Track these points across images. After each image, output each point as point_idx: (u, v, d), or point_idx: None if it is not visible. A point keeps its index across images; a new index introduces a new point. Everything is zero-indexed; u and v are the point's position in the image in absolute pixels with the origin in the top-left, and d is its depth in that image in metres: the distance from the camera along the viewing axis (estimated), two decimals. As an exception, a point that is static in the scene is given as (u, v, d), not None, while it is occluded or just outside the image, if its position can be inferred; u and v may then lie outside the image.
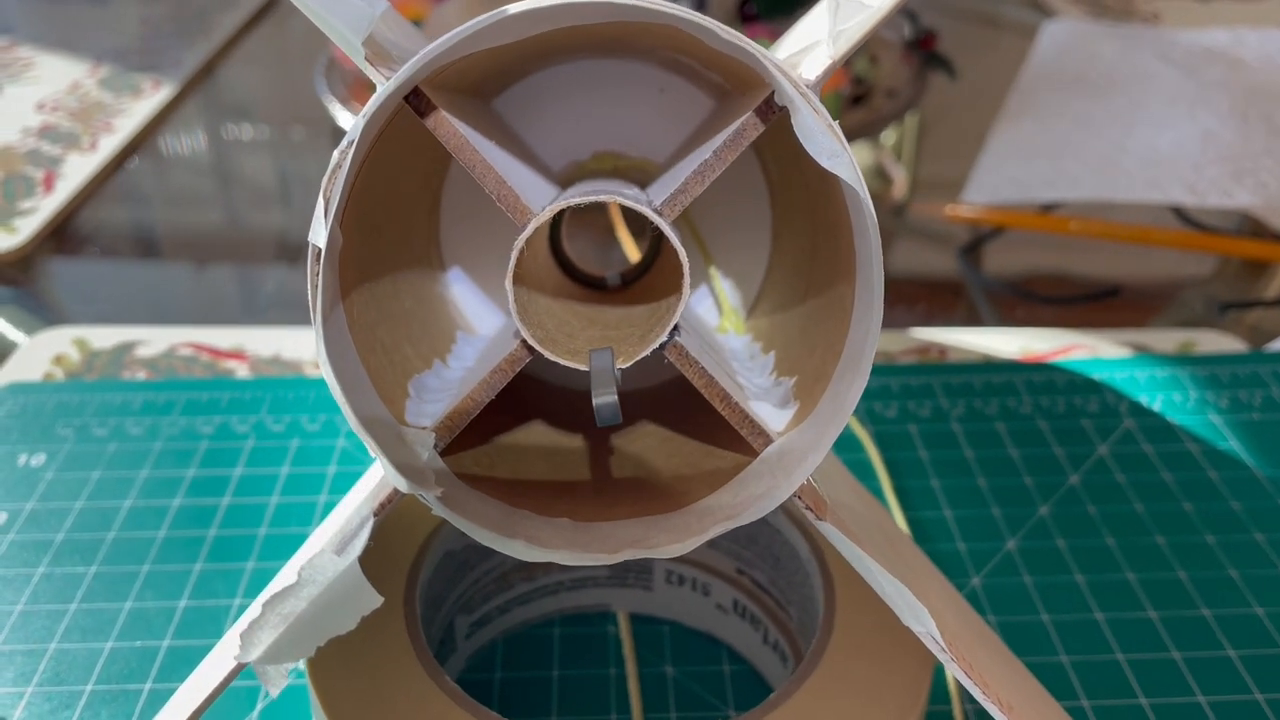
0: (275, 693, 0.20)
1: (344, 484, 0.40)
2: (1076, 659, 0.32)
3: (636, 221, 0.53)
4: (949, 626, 0.22)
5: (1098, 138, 0.62)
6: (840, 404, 0.21)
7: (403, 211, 0.29)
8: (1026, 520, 0.38)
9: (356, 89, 0.69)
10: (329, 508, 0.38)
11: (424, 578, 0.29)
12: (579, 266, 0.32)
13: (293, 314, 0.52)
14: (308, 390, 0.45)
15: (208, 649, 0.31)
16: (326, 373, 0.19)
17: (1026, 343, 0.48)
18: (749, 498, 0.21)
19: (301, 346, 0.48)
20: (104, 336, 0.48)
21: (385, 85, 0.19)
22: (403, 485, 0.20)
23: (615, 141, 0.32)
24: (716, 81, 0.29)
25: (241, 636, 0.20)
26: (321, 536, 0.26)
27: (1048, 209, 0.58)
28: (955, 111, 0.72)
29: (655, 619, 0.34)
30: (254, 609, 0.20)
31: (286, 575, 0.21)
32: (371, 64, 0.20)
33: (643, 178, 0.32)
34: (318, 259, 0.20)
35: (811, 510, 0.21)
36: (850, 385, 0.20)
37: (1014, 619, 0.34)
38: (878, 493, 0.39)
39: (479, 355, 0.29)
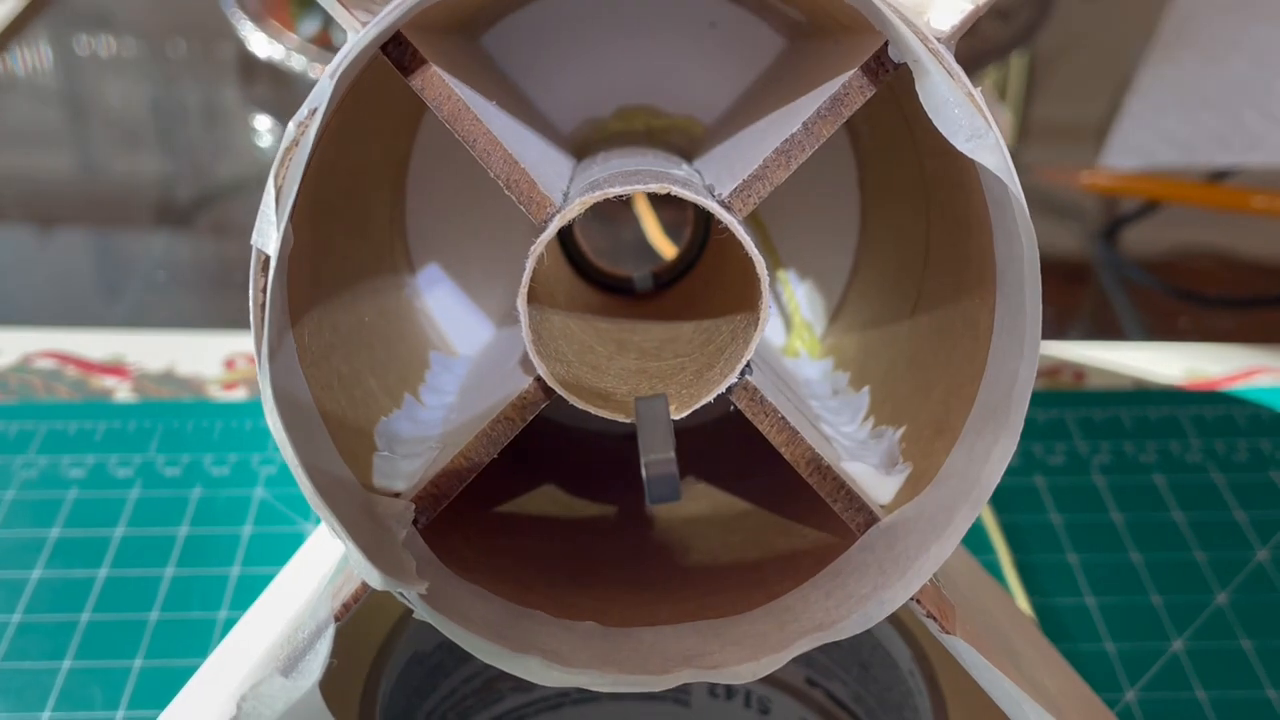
0: None
1: (264, 550, 0.39)
2: (1271, 805, 0.32)
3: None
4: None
5: (1286, 79, 0.62)
6: (977, 473, 0.21)
7: (361, 191, 0.29)
8: (1199, 611, 0.38)
9: (271, 2, 0.69)
10: (244, 584, 0.38)
11: (385, 690, 0.29)
12: (598, 264, 0.32)
13: (181, 302, 0.52)
14: (212, 419, 0.44)
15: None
16: (276, 429, 0.19)
17: (1194, 363, 0.48)
18: (848, 599, 0.21)
19: (202, 358, 0.48)
20: (-68, 342, 0.48)
21: (362, 33, 0.19)
22: (375, 580, 0.20)
23: (647, 93, 0.32)
24: (792, 17, 0.29)
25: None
26: (250, 637, 0.26)
27: (1219, 177, 0.58)
28: (1090, 40, 0.72)
29: (694, 744, 0.34)
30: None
31: (222, 709, 0.21)
32: (342, 3, 0.20)
33: (685, 142, 0.32)
34: (264, 269, 0.20)
35: (935, 619, 0.21)
36: (992, 446, 0.20)
37: (1184, 749, 0.34)
38: (993, 569, 0.39)
39: (462, 386, 0.29)
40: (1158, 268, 0.55)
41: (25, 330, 0.49)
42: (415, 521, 0.23)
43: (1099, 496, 0.42)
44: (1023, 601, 0.38)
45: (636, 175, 0.22)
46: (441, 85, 0.21)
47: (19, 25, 0.72)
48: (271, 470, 0.42)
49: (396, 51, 0.21)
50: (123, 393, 0.46)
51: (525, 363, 0.24)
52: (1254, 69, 0.63)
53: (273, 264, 0.20)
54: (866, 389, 0.28)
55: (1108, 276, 0.55)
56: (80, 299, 0.54)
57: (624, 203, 0.57)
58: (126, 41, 0.73)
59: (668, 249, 0.49)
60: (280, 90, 0.69)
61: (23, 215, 0.60)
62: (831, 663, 0.32)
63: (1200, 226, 0.58)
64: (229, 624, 0.37)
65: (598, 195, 0.21)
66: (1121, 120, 0.61)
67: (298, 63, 0.65)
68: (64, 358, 0.47)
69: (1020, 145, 0.65)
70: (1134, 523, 0.41)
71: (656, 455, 0.19)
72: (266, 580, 0.36)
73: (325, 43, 0.65)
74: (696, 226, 0.33)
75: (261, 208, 0.20)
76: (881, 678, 0.30)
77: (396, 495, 0.23)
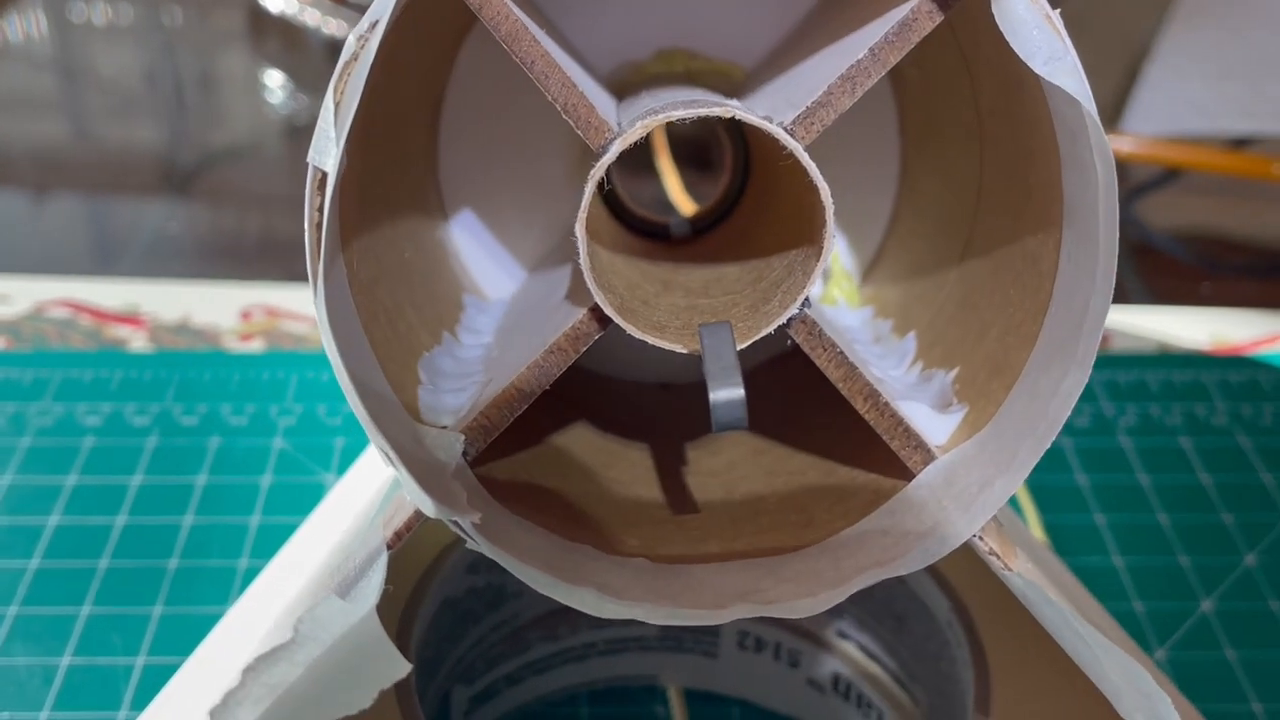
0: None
1: (285, 500, 0.39)
2: (1301, 764, 0.32)
3: (689, 151, 0.52)
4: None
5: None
6: (1043, 407, 0.20)
7: (399, 126, 0.28)
8: (1227, 573, 0.37)
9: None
10: (264, 533, 0.38)
11: (418, 635, 0.28)
12: (635, 211, 0.31)
13: (185, 269, 0.51)
14: (230, 370, 0.44)
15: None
16: (331, 349, 0.19)
17: (1219, 328, 0.48)
18: (907, 536, 0.21)
19: (218, 309, 0.47)
20: (-56, 289, 0.48)
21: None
22: (429, 508, 0.20)
23: (687, 35, 0.32)
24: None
25: (212, 716, 0.19)
26: (296, 562, 0.25)
27: (1241, 144, 0.58)
28: (1104, 12, 0.72)
29: (721, 697, 0.34)
30: (231, 677, 0.20)
31: (276, 631, 0.20)
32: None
33: (725, 86, 0.31)
34: (321, 187, 0.19)
35: (997, 556, 0.20)
36: (1060, 380, 0.20)
37: (1214, 707, 0.34)
38: (1019, 530, 0.39)
39: (499, 327, 0.29)
40: (1178, 235, 0.55)
41: (38, 279, 0.48)
42: (465, 454, 0.22)
43: (1125, 458, 0.41)
44: (1050, 561, 0.38)
45: (695, 102, 0.22)
46: (500, 4, 0.20)
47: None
48: (290, 421, 0.42)
49: (454, -32, 0.20)
50: (138, 342, 0.46)
51: (574, 295, 0.24)
52: (1275, 39, 0.63)
53: (330, 182, 0.19)
54: (913, 334, 0.27)
55: (1125, 244, 0.55)
56: (78, 266, 0.54)
57: (646, 159, 0.56)
58: (121, 7, 0.72)
59: (688, 207, 0.49)
60: (290, 47, 0.69)
61: (20, 181, 0.60)
62: (865, 613, 0.31)
63: (1224, 194, 0.57)
64: (249, 572, 0.36)
65: (660, 118, 0.20)
66: (1143, 86, 0.61)
67: (310, 18, 0.64)
68: (78, 306, 0.47)
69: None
70: (1160, 485, 0.40)
71: (723, 380, 0.19)
72: (287, 530, 0.35)
73: (339, -2, 0.64)
74: (734, 173, 0.32)
75: (319, 124, 0.19)
76: (917, 629, 0.30)
77: (443, 429, 0.23)
